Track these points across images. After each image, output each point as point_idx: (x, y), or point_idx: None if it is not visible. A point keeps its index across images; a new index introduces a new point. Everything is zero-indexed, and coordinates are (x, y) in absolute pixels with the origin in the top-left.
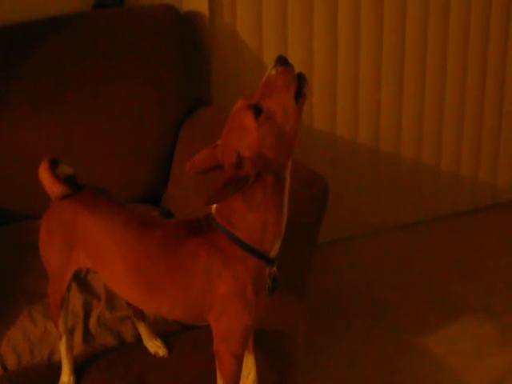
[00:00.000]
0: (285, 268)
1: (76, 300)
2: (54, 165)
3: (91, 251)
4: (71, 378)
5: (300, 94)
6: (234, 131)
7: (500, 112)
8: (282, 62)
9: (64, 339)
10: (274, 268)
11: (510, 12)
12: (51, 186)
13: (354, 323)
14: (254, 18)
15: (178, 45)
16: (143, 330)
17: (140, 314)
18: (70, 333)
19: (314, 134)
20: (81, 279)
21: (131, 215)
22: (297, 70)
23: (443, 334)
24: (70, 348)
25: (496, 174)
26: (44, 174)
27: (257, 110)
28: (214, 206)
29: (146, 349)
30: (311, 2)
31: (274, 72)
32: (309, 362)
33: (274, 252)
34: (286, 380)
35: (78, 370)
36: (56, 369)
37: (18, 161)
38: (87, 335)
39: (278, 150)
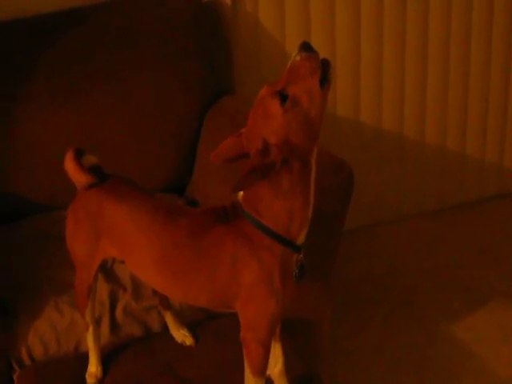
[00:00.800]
0: (311, 256)
1: (102, 290)
2: (79, 155)
3: (118, 240)
4: (98, 368)
5: (325, 80)
6: (260, 118)
7: None
8: (306, 47)
9: (91, 329)
10: (301, 255)
11: None
12: (77, 176)
13: (379, 311)
14: (275, 5)
15: (200, 34)
16: (169, 320)
17: (166, 303)
18: (97, 323)
19: (337, 120)
20: (107, 269)
21: (157, 203)
22: (320, 56)
23: (469, 320)
24: (96, 338)
25: None
26: (70, 164)
27: (282, 97)
28: (241, 193)
29: (172, 338)
30: None
31: (298, 58)
32: (335, 351)
33: (300, 239)
34: (313, 369)
35: (105, 360)
36: (83, 359)
37: (42, 152)
38: (114, 325)
39: (304, 136)
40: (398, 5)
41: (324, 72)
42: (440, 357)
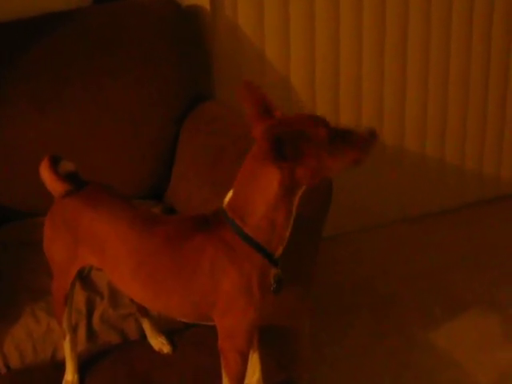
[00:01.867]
0: (289, 262)
1: (79, 297)
2: (55, 162)
3: (96, 248)
4: (75, 376)
5: (356, 162)
6: (308, 127)
7: (504, 105)
8: (373, 135)
9: (68, 337)
10: (279, 269)
11: None
12: (53, 184)
13: (359, 317)
14: (255, 11)
15: (179, 39)
16: (147, 327)
17: (144, 311)
18: (74, 331)
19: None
20: (84, 276)
21: (135, 211)
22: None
23: (449, 327)
24: (73, 346)
25: (500, 166)
26: (45, 172)
27: (331, 139)
28: (226, 199)
29: (150, 346)
30: None
31: (363, 133)
32: (315, 358)
33: (277, 254)
34: (293, 377)
35: (82, 368)
36: (60, 367)
37: (20, 158)
38: (91, 333)
39: (308, 174)
40: (377, 11)
41: (361, 158)
42: (419, 364)
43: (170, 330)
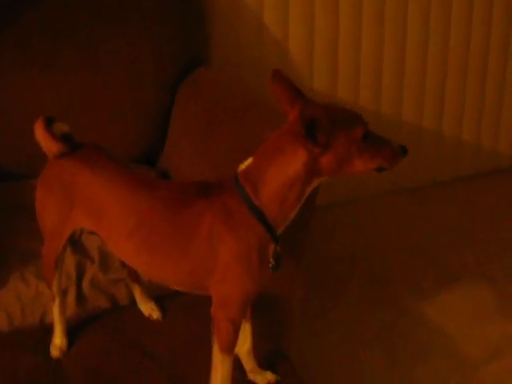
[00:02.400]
0: (282, 232)
1: (69, 261)
2: (49, 123)
3: (91, 211)
4: (63, 340)
5: (379, 170)
6: (342, 119)
7: (503, 78)
8: (404, 151)
9: (57, 301)
10: (279, 246)
11: None
12: (48, 144)
13: (350, 288)
14: None
15: (175, 2)
16: (137, 293)
17: (134, 276)
18: (63, 295)
19: (315, 95)
20: (74, 241)
21: (135, 175)
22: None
23: (441, 299)
24: (62, 310)
25: (498, 139)
26: (40, 132)
27: (365, 137)
28: (242, 166)
29: (139, 311)
30: None
31: (395, 145)
32: (304, 328)
33: (279, 231)
34: (281, 347)
35: (71, 332)
36: (48, 330)
37: (13, 120)
38: (80, 297)
39: (331, 165)
40: None
41: (384, 167)
42: (410, 335)
43: (161, 296)
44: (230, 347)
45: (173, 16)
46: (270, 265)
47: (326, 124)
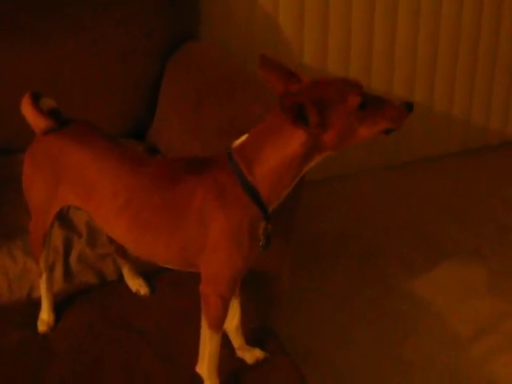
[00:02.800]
0: (274, 209)
1: (57, 236)
2: (36, 98)
3: (80, 187)
4: (51, 315)
5: (387, 132)
6: (336, 90)
7: (494, 55)
8: (409, 107)
9: (44, 276)
10: (269, 224)
11: None
12: (36, 120)
13: (339, 265)
14: None
15: None
16: (125, 269)
17: (122, 252)
18: (51, 270)
19: (304, 68)
20: (62, 215)
21: (125, 150)
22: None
23: (431, 276)
24: (50, 285)
25: (488, 116)
26: (27, 108)
27: (362, 105)
28: (237, 142)
29: (127, 287)
30: None
31: (398, 103)
32: (293, 305)
33: (270, 209)
34: (269, 322)
35: (58, 308)
36: (35, 306)
37: None
38: (67, 272)
39: (335, 140)
40: None
41: (393, 128)
42: (399, 311)
43: (149, 272)
44: (218, 323)
45: None
46: (261, 243)
47: (315, 105)
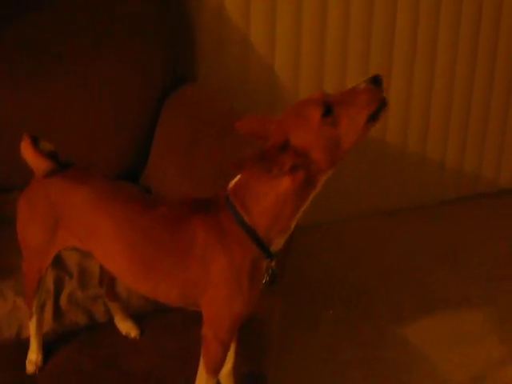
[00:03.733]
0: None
1: (48, 276)
2: (34, 141)
3: (82, 228)
4: (39, 355)
5: (373, 118)
6: (296, 116)
7: (488, 103)
8: (376, 81)
9: (35, 318)
10: (273, 263)
11: None
12: (37, 162)
13: (330, 308)
14: None
15: (162, 18)
16: (115, 311)
17: (112, 294)
18: (41, 310)
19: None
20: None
21: (130, 192)
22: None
23: (421, 322)
24: (39, 326)
25: (481, 164)
26: (28, 151)
27: (327, 110)
28: (232, 183)
29: (117, 329)
30: None
31: (363, 85)
32: (284, 350)
33: (276, 246)
34: (260, 368)
35: (47, 348)
36: (24, 346)
37: None
38: (58, 313)
39: (325, 157)
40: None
41: (377, 111)
42: (389, 358)
43: (138, 314)
44: (216, 368)
45: (159, 33)
46: (264, 280)
47: (279, 149)
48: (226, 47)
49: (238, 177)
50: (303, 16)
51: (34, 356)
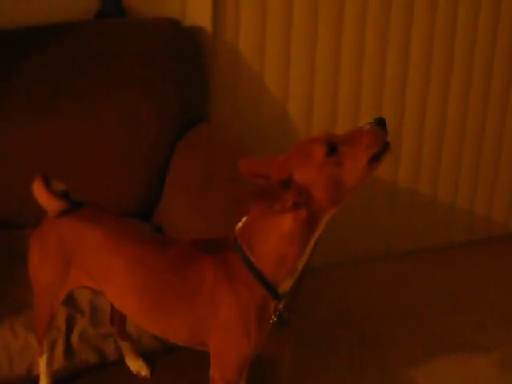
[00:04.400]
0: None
1: (59, 314)
2: (46, 181)
3: (95, 270)
4: None
5: (376, 159)
6: (300, 154)
7: (499, 146)
8: (380, 123)
9: (45, 356)
10: (281, 304)
11: None
12: (49, 202)
13: (340, 352)
14: (256, 35)
15: (178, 59)
16: (126, 349)
17: (123, 333)
18: (51, 347)
19: None
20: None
21: (142, 232)
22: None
23: (431, 367)
24: (50, 364)
25: (492, 207)
26: (40, 191)
27: (331, 149)
28: (239, 224)
29: (127, 368)
30: (315, 22)
31: (367, 127)
32: None
33: (284, 288)
34: None
35: None
36: (35, 382)
37: (7, 168)
38: (69, 350)
39: (328, 196)
40: (379, 38)
41: (380, 152)
42: None
43: (149, 353)
44: None
45: (177, 75)
46: (271, 321)
47: (282, 186)
48: (240, 89)
49: (245, 218)
50: (317, 60)
51: None
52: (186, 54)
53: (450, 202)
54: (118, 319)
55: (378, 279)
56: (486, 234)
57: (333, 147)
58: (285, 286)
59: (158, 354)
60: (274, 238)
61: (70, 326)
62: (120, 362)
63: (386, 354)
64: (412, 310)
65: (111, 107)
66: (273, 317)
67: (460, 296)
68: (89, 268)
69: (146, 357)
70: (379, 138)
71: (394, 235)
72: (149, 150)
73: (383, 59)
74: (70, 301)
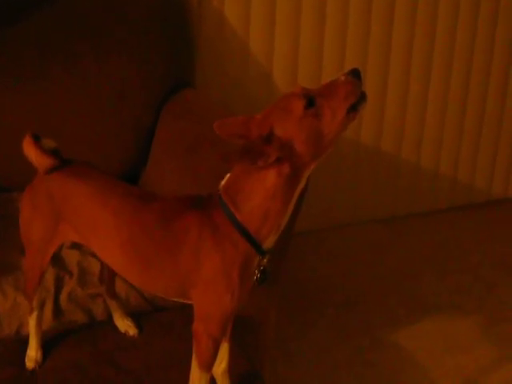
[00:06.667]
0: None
1: (48, 275)
2: (36, 139)
3: (82, 223)
4: (38, 352)
5: (353, 109)
6: (279, 109)
7: (482, 114)
8: (355, 74)
9: (35, 314)
10: (265, 260)
11: None
12: (39, 159)
13: (324, 314)
14: (241, 2)
15: (164, 25)
16: (114, 309)
17: (112, 292)
18: (41, 308)
19: None
20: (55, 254)
21: (128, 188)
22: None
23: (414, 329)
24: (39, 323)
25: (474, 174)
26: (30, 148)
27: (309, 102)
28: (223, 182)
29: (115, 327)
30: None
31: (342, 78)
32: (279, 351)
33: (268, 244)
34: (256, 368)
35: (46, 345)
36: (24, 342)
37: None
38: (57, 311)
39: (309, 149)
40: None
41: (357, 102)
42: (382, 363)
43: (138, 313)
44: (208, 364)
45: (163, 41)
46: (255, 277)
47: (264, 141)
48: (225, 55)
49: (228, 175)
50: (302, 25)
51: (33, 353)
52: (171, 20)
53: (433, 168)
54: (108, 278)
55: (363, 244)
56: (467, 201)
57: (311, 100)
58: (268, 242)
59: (145, 313)
60: (257, 194)
61: (58, 286)
62: (108, 322)
63: (369, 316)
64: (395, 274)
65: (98, 71)
66: (256, 272)
67: (442, 261)
68: (76, 222)
69: (134, 317)
70: (355, 89)
71: (378, 201)
72: (134, 114)
73: (368, 18)
74: (59, 262)
